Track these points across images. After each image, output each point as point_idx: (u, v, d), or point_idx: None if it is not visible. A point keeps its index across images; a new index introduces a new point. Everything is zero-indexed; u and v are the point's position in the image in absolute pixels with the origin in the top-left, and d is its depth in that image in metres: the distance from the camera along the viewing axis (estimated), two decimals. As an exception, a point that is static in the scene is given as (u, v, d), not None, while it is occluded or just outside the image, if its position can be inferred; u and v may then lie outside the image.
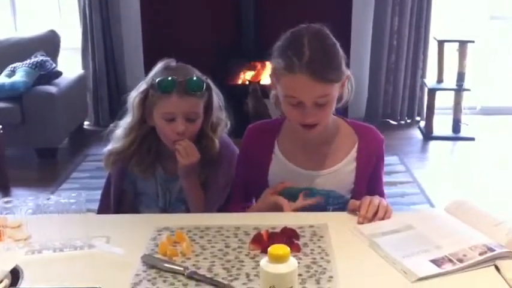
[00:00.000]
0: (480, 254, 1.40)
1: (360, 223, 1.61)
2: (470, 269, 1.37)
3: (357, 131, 1.82)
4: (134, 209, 1.97)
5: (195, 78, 1.82)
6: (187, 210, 1.92)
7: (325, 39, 1.66)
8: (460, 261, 1.39)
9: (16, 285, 1.26)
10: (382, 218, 1.61)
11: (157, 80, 1.80)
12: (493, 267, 1.38)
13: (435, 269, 1.36)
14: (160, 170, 1.94)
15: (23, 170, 4.34)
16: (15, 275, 1.29)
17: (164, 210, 1.95)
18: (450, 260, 1.39)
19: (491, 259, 1.39)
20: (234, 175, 1.90)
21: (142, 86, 1.87)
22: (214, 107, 1.89)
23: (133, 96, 1.87)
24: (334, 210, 1.76)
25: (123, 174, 1.95)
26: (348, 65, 1.70)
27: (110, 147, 1.92)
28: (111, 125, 1.95)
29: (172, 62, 1.88)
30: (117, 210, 1.95)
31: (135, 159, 1.90)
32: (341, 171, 1.78)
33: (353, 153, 1.79)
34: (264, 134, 1.85)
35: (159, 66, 1.88)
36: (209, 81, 1.87)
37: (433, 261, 1.39)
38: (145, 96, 1.85)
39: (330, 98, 1.65)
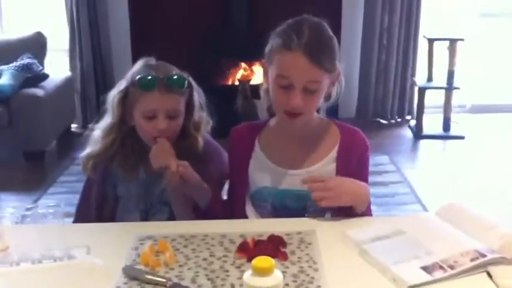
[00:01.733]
0: (472, 260, 1.36)
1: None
2: (461, 276, 1.33)
3: (341, 132, 1.78)
4: (115, 214, 1.90)
5: (176, 75, 1.79)
6: (171, 213, 1.86)
7: (324, 30, 1.68)
8: (451, 267, 1.35)
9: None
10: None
11: (137, 77, 1.77)
12: (485, 273, 1.35)
13: (426, 277, 1.32)
14: (142, 170, 1.88)
15: (10, 173, 4.26)
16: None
17: (145, 213, 1.88)
18: (441, 267, 1.35)
19: (483, 265, 1.36)
20: (222, 174, 1.86)
21: (122, 84, 1.84)
22: (196, 105, 1.86)
23: (113, 95, 1.84)
24: (314, 213, 1.69)
25: (106, 177, 1.89)
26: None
27: (87, 150, 1.87)
28: (90, 126, 1.90)
29: (152, 60, 1.85)
30: (98, 217, 1.88)
31: (119, 160, 1.85)
32: (320, 172, 1.72)
33: (333, 153, 1.75)
34: (247, 133, 1.83)
35: (138, 64, 1.85)
36: (190, 79, 1.84)
37: (424, 268, 1.35)
38: (125, 95, 1.81)
39: (320, 87, 1.64)
